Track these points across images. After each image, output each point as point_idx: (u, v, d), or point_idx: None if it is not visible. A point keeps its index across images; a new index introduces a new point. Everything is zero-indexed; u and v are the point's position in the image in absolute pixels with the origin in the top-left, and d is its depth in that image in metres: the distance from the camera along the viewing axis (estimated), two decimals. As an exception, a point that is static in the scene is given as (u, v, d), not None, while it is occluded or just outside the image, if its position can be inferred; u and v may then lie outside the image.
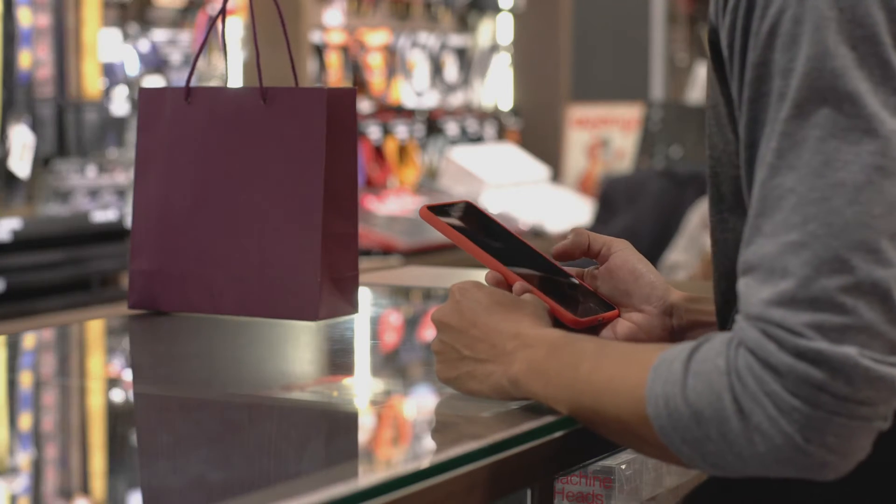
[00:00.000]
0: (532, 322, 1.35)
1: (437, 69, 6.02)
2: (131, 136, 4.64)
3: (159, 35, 4.85)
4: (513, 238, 1.51)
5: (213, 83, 4.85)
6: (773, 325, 1.13)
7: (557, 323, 1.42)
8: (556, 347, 1.30)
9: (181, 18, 4.92)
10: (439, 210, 1.49)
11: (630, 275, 1.48)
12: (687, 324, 1.48)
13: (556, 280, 1.48)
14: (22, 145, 4.39)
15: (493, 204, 5.39)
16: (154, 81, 4.77)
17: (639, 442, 1.24)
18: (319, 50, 5.46)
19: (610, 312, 1.47)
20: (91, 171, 4.62)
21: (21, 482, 1.25)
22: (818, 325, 1.12)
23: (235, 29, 5.01)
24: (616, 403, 1.23)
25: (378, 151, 5.57)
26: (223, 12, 1.89)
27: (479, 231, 1.49)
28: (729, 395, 1.14)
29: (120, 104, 4.72)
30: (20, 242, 4.01)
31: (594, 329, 1.46)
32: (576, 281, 1.49)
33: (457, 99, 6.12)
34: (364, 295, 2.14)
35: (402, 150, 5.66)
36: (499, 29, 6.32)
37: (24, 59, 4.40)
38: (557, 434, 1.29)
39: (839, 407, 1.11)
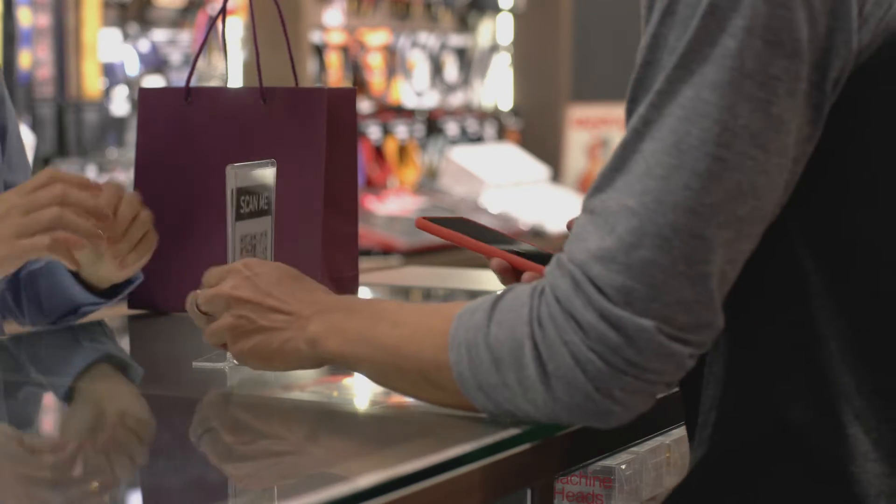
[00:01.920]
0: (326, 291, 1.39)
1: (437, 69, 6.02)
2: (131, 136, 4.64)
3: (159, 35, 4.85)
4: (512, 239, 1.53)
5: (213, 83, 4.85)
6: (588, 279, 1.19)
7: None
8: (355, 309, 1.34)
9: (181, 18, 4.92)
10: (436, 220, 1.52)
11: None
12: None
13: None
14: (22, 145, 4.38)
15: (493, 204, 5.39)
16: (154, 81, 4.77)
17: (431, 389, 1.29)
18: (319, 50, 5.46)
19: None
20: (91, 171, 4.62)
21: (21, 482, 1.25)
22: (627, 292, 1.18)
23: (235, 29, 5.00)
24: (417, 353, 1.28)
25: (378, 151, 5.57)
26: (223, 12, 1.89)
27: (478, 234, 1.51)
28: (529, 343, 1.20)
29: (120, 104, 4.72)
30: (20, 242, 3.99)
31: None
32: None
33: (457, 99, 6.12)
34: (364, 295, 2.14)
35: (402, 150, 5.66)
36: (499, 29, 6.32)
37: (24, 59, 4.40)
38: (557, 434, 1.29)
39: (628, 369, 1.19)
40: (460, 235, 1.50)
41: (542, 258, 1.49)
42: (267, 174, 1.56)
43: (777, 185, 1.20)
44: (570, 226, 1.51)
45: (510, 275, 1.48)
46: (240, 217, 1.50)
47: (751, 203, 1.19)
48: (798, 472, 1.26)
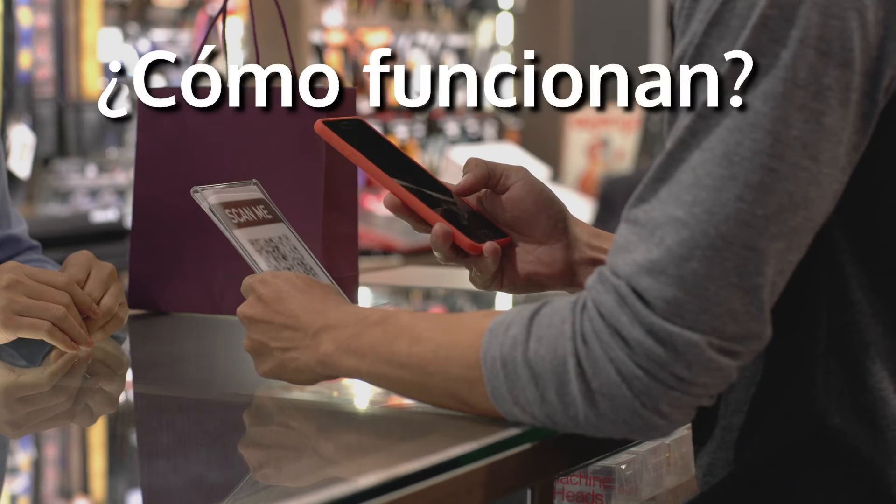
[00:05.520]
0: (338, 297, 1.36)
1: (437, 69, 6.02)
2: (131, 136, 4.64)
3: (159, 35, 4.85)
4: (406, 159, 1.53)
5: (213, 83, 4.85)
6: (634, 293, 1.17)
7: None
8: (367, 323, 1.31)
9: (181, 18, 4.92)
10: (335, 126, 1.49)
11: (534, 206, 1.50)
12: (587, 259, 1.51)
13: (451, 205, 1.49)
14: (22, 145, 4.39)
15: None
16: (154, 81, 4.77)
17: (458, 404, 1.27)
18: (319, 50, 5.46)
19: (503, 239, 1.49)
20: (91, 171, 4.62)
21: (22, 482, 1.25)
22: (678, 304, 1.16)
23: (235, 29, 5.01)
24: (444, 370, 1.26)
25: (378, 151, 5.57)
26: (223, 12, 1.89)
27: (374, 150, 1.50)
28: (573, 360, 1.19)
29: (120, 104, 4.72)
30: (20, 242, 3.99)
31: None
32: (465, 206, 1.51)
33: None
34: (364, 295, 2.14)
35: (403, 150, 5.66)
36: (499, 29, 6.32)
37: (24, 59, 4.40)
38: (557, 434, 1.29)
39: (676, 384, 1.17)
40: (361, 156, 1.48)
41: (433, 199, 1.47)
42: (248, 189, 1.54)
43: (827, 196, 1.19)
44: (456, 192, 1.51)
45: (403, 211, 1.47)
46: (238, 226, 1.49)
47: (802, 214, 1.18)
48: (837, 475, 1.26)
